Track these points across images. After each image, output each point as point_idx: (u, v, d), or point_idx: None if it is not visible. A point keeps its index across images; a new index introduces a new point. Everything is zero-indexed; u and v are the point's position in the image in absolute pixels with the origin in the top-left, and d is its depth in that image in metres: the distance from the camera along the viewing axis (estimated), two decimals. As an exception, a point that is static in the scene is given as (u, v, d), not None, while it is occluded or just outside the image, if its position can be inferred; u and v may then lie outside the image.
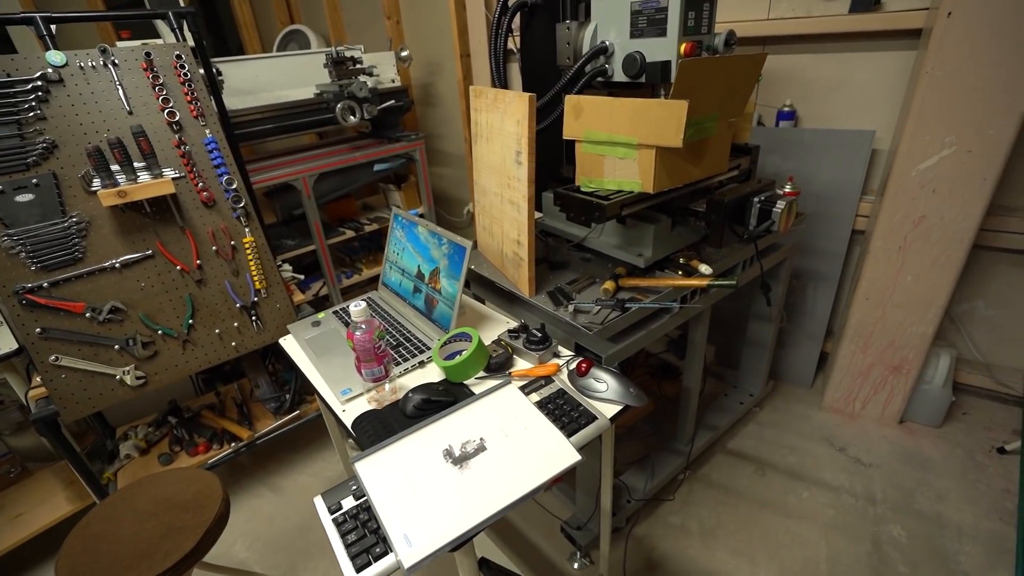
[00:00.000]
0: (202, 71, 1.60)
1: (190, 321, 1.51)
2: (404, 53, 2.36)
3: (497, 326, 1.26)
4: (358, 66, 2.19)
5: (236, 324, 1.58)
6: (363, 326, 0.94)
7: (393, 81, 2.36)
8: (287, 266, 1.91)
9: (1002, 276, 1.81)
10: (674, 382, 1.99)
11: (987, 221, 1.61)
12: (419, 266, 1.28)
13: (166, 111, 1.48)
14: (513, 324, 1.23)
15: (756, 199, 1.24)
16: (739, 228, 1.28)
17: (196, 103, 1.53)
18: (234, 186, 1.56)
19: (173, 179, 1.47)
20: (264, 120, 2.08)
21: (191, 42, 1.56)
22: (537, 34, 1.47)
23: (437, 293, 1.21)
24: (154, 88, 1.48)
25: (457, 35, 2.38)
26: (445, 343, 1.09)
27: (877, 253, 1.70)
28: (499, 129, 1.23)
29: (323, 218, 2.51)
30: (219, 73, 1.91)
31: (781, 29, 1.79)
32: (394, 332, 1.25)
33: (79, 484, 1.64)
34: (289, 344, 1.30)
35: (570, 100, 1.14)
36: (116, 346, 1.42)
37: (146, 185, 1.37)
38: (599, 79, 1.32)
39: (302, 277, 1.92)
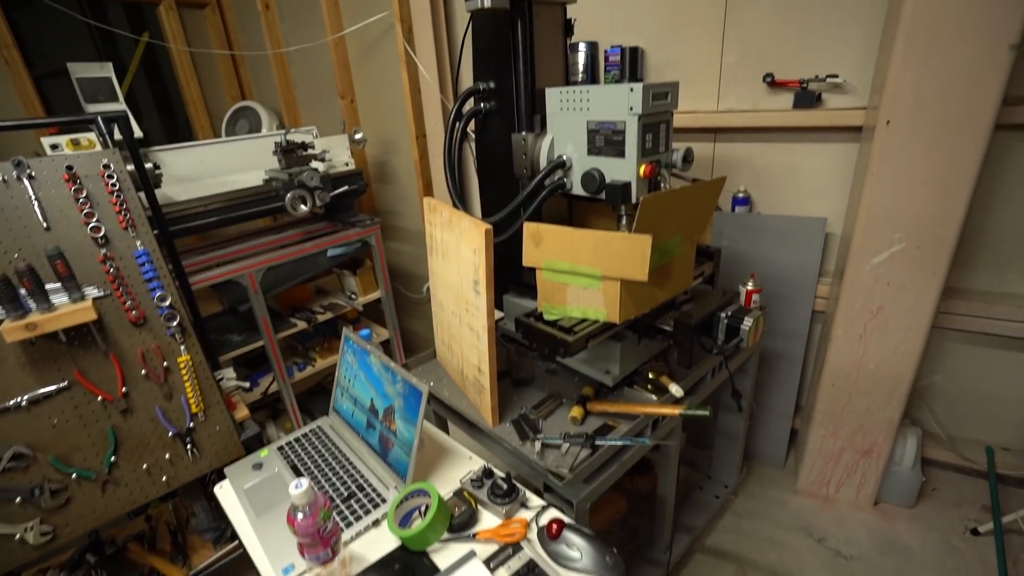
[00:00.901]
0: (131, 167, 1.48)
1: (112, 458, 1.34)
2: (358, 136, 2.30)
3: (459, 463, 1.16)
4: (309, 151, 2.12)
5: (168, 455, 1.42)
6: (307, 508, 0.82)
7: (347, 164, 2.29)
8: (230, 373, 1.76)
9: (957, 352, 1.85)
10: (647, 476, 1.91)
11: (939, 303, 1.65)
12: (372, 400, 1.18)
13: (90, 225, 1.35)
14: (477, 463, 1.14)
15: (723, 314, 1.21)
16: (707, 340, 1.25)
17: (126, 213, 1.41)
18: (167, 302, 1.42)
19: (96, 299, 1.33)
20: (208, 212, 1.95)
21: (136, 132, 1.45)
22: (493, 138, 1.44)
23: (392, 435, 1.11)
24: (77, 200, 1.35)
25: (412, 118, 2.35)
26: (401, 501, 0.98)
27: (839, 341, 1.70)
28: (455, 251, 1.17)
29: (273, 306, 2.37)
30: (157, 167, 1.80)
31: (730, 122, 1.84)
32: (345, 477, 1.13)
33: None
34: (226, 494, 1.15)
35: (529, 228, 1.10)
36: (18, 499, 1.23)
37: (61, 314, 1.23)
38: (559, 192, 1.29)
39: (247, 385, 1.77)
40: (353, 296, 2.38)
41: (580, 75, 1.99)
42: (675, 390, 1.18)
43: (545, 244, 1.08)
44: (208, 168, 2.15)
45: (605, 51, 1.95)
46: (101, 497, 1.33)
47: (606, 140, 1.16)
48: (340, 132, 2.31)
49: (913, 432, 1.84)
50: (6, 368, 1.24)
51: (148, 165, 1.75)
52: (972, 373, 1.85)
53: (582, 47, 1.98)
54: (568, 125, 1.23)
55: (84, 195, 1.35)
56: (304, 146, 2.10)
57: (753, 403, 1.74)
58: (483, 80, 1.39)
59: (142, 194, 1.54)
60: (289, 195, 2.00)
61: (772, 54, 1.74)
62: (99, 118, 1.43)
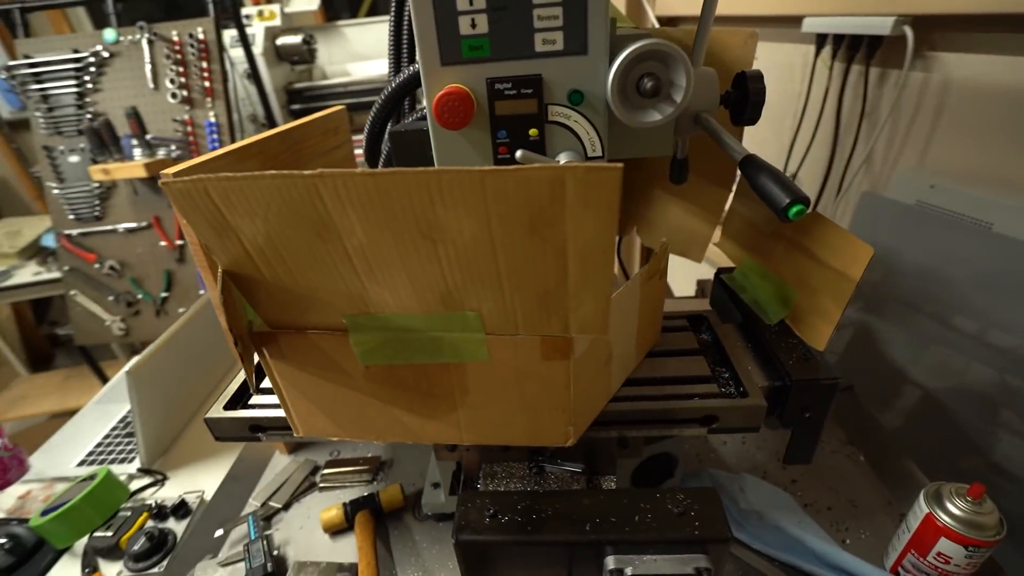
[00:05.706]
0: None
1: (163, 295, 1.62)
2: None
3: (207, 471, 0.90)
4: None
5: (200, 309, 1.63)
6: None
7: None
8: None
9: None
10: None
11: None
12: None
13: (171, 92, 1.50)
14: (212, 481, 0.85)
15: None
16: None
17: (203, 83, 1.50)
18: (213, 176, 1.51)
19: (172, 158, 1.53)
20: (348, 95, 1.95)
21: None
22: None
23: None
24: (174, 66, 1.50)
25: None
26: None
27: None
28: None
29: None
30: (308, 42, 1.85)
31: None
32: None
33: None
34: None
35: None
36: (110, 297, 1.64)
37: (122, 166, 1.45)
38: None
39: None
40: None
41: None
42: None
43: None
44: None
45: None
46: (156, 320, 1.66)
47: None
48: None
49: None
50: (119, 200, 1.58)
51: (295, 40, 1.81)
52: None
53: None
54: None
55: (179, 61, 1.49)
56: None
57: None
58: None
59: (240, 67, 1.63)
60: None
61: None
62: (203, -15, 1.49)
